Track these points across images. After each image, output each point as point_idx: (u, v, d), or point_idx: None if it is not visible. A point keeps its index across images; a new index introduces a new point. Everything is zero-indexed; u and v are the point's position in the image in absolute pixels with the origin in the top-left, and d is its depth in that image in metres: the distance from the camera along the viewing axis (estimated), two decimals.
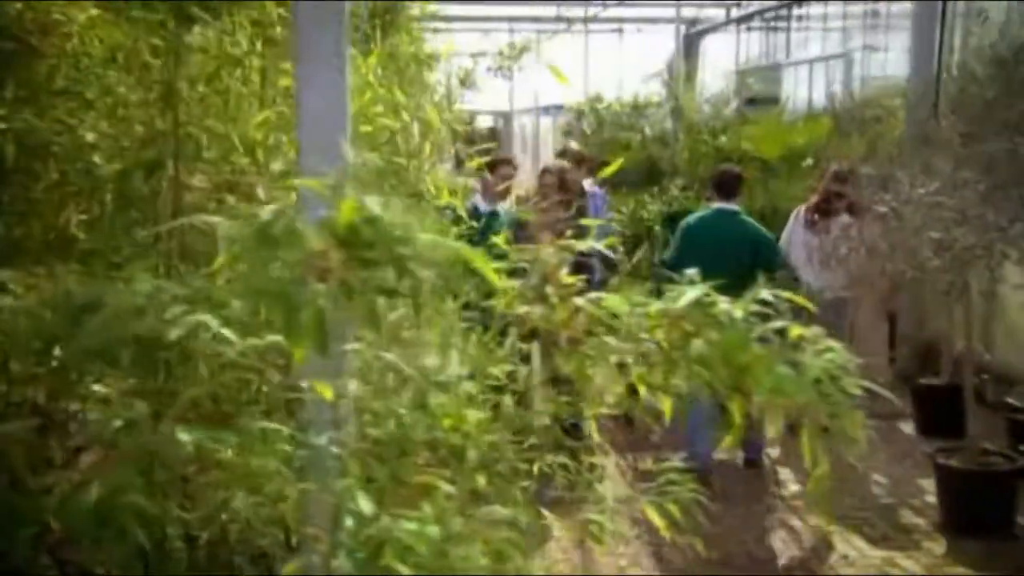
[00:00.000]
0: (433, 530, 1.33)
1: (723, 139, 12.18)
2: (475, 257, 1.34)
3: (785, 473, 6.79)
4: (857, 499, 6.30)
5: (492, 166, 6.69)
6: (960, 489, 5.86)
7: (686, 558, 5.42)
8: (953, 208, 5.22)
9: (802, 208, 7.48)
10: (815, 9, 17.08)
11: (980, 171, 5.37)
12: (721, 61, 19.42)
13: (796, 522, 5.96)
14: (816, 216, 7.21)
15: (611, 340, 1.62)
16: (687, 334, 1.60)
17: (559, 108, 19.24)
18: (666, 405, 1.71)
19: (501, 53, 10.53)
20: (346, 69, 2.11)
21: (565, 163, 7.66)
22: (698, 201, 9.16)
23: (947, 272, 5.30)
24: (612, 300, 1.67)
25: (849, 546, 5.62)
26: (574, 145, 11.34)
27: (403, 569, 1.31)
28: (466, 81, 9.46)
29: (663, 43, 20.19)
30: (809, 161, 9.53)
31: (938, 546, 5.62)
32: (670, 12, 19.73)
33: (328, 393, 1.54)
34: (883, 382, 8.14)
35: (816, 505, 1.58)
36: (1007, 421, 6.80)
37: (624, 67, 20.49)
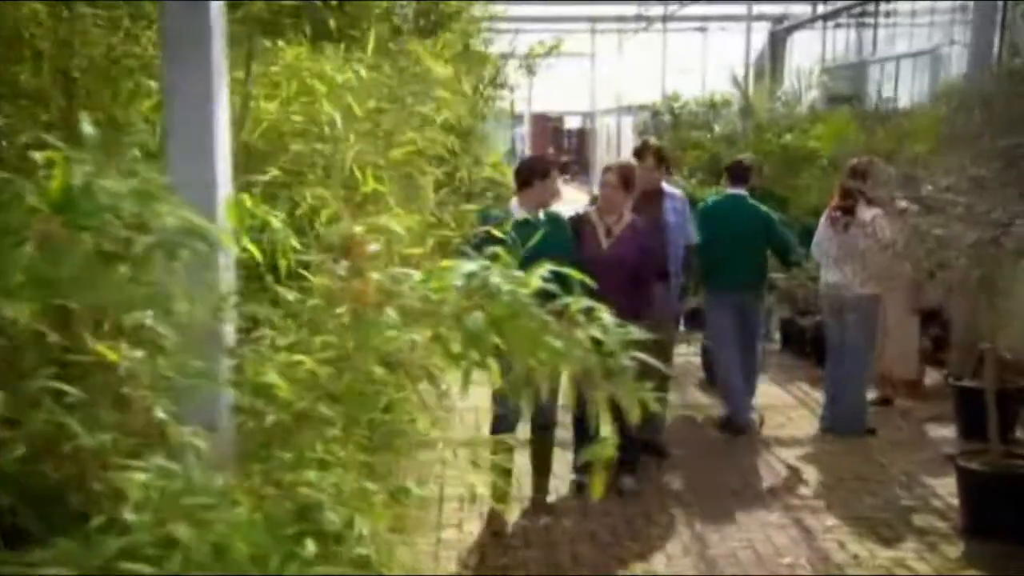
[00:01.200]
0: (153, 479, 1.42)
1: (788, 137, 12.04)
2: (207, 227, 1.43)
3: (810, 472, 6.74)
4: (880, 500, 6.20)
5: (529, 175, 5.89)
6: (980, 492, 5.72)
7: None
8: (964, 204, 5.12)
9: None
10: (903, 5, 16.70)
11: (996, 168, 5.26)
12: (808, 58, 19.15)
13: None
14: (837, 213, 7.14)
15: (391, 312, 1.69)
16: (468, 307, 1.66)
17: (642, 108, 19.20)
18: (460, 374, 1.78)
19: (529, 54, 10.54)
20: (215, 66, 2.20)
21: (632, 161, 6.85)
22: (702, 187, 9.52)
23: (955, 269, 5.20)
24: (410, 274, 1.75)
25: (861, 546, 5.53)
26: (654, 141, 11.13)
27: (129, 515, 1.40)
28: (496, 79, 9.54)
29: (751, 41, 19.98)
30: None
31: (953, 549, 5.50)
32: (754, 9, 19.49)
33: (114, 356, 1.65)
34: (911, 380, 7.98)
35: (597, 476, 1.56)
36: None
37: (708, 65, 20.34)
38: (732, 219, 7.33)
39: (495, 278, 1.65)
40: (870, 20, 18.31)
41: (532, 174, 5.83)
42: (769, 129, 12.73)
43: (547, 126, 27.22)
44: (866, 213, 6.71)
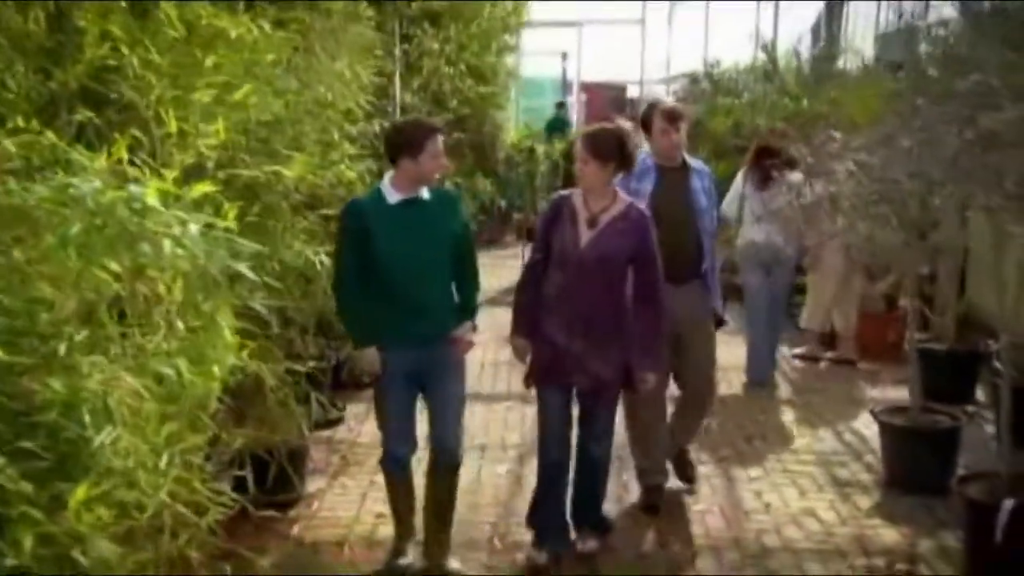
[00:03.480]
0: None
1: (804, 103, 12.02)
2: None
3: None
4: (813, 454, 6.36)
5: (393, 150, 4.33)
6: (900, 446, 5.85)
7: None
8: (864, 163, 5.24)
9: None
10: None
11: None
12: (864, 25, 18.87)
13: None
14: (756, 173, 7.37)
15: None
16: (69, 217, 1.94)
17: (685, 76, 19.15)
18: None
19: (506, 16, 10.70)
20: None
21: (624, 124, 5.16)
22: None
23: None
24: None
25: (776, 496, 5.70)
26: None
27: None
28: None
29: (808, 8, 19.80)
30: None
31: (866, 500, 5.64)
32: None
33: None
34: (852, 336, 8.07)
35: None
36: (991, 386, 6.69)
37: (762, 34, 20.12)
38: None
39: (84, 188, 1.93)
40: None
41: (397, 149, 4.30)
42: (790, 94, 12.74)
43: (607, 95, 27.06)
44: (791, 174, 6.86)
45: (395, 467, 4.69)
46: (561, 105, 20.03)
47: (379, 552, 4.93)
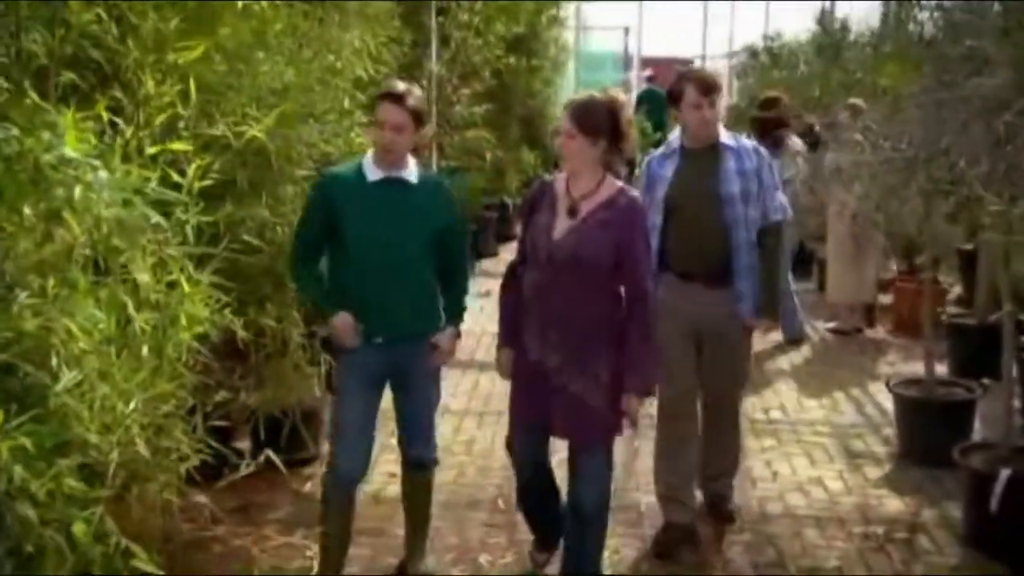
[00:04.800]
0: None
1: (859, 75, 11.87)
2: None
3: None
4: (831, 425, 6.36)
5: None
6: (913, 418, 5.83)
7: None
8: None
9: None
10: None
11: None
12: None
13: None
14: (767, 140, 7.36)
15: None
16: None
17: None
18: None
19: None
20: None
21: (617, 94, 5.31)
22: None
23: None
24: None
25: (786, 465, 5.73)
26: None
27: None
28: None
29: None
30: None
31: (876, 470, 5.64)
32: None
33: None
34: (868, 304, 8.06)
35: None
36: (1019, 361, 6.58)
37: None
38: None
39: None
40: None
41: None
42: (844, 67, 12.58)
43: (675, 71, 26.57)
44: (793, 143, 6.84)
45: (336, 486, 4.12)
46: (652, 79, 19.71)
47: (385, 508, 5.04)
